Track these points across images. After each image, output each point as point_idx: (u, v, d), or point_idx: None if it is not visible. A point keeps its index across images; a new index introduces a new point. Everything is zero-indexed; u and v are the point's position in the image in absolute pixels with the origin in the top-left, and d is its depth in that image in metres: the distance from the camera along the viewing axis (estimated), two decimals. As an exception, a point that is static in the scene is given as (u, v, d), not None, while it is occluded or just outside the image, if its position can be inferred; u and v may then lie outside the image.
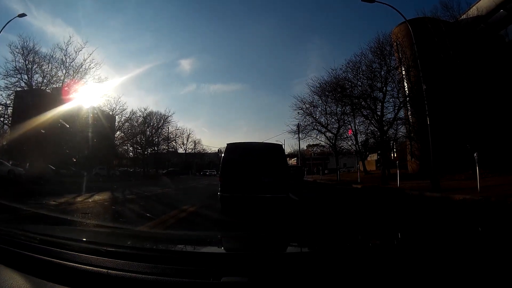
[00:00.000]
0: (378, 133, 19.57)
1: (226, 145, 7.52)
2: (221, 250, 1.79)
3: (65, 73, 23.07)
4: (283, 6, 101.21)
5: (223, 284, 1.04)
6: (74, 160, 26.08)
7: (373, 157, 36.93)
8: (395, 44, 20.53)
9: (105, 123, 28.12)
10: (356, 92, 20.68)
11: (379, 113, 19.23)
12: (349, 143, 30.29)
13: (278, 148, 7.90)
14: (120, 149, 37.55)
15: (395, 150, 32.12)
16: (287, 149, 60.29)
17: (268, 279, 1.07)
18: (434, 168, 11.27)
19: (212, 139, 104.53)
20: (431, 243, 1.56)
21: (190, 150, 59.00)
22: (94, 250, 1.27)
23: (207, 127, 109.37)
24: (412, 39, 15.89)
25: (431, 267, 1.07)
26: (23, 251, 1.35)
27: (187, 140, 57.88)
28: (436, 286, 1.04)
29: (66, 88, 22.71)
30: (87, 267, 1.19)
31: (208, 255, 1.41)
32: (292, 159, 61.19)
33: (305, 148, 68.94)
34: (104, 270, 1.15)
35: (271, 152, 7.40)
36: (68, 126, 21.53)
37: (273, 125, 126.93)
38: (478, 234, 1.83)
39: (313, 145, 65.09)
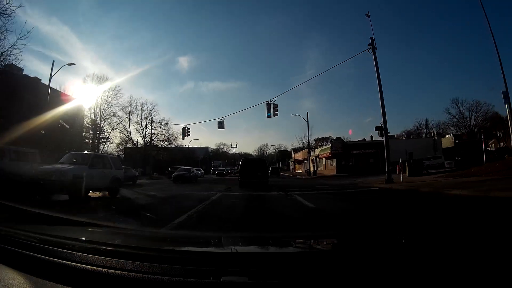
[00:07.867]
0: None
1: (241, 160, 19.72)
2: (221, 249, 1.78)
3: None
4: (281, 3, 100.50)
5: (223, 284, 1.02)
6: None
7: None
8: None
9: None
10: None
11: None
12: None
13: (263, 160, 20.52)
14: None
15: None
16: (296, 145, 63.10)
17: (268, 279, 1.05)
18: None
19: (210, 138, 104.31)
20: None
21: (161, 141, 40.16)
22: (94, 250, 1.26)
23: (205, 125, 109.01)
24: None
25: None
26: (23, 250, 1.33)
27: (147, 121, 37.14)
28: None
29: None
30: (87, 266, 1.18)
31: (208, 255, 1.40)
32: (318, 150, 49.12)
33: (314, 142, 62.41)
34: (104, 269, 1.14)
35: (261, 162, 18.51)
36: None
37: (273, 122, 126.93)
38: None
39: (322, 139, 59.20)
